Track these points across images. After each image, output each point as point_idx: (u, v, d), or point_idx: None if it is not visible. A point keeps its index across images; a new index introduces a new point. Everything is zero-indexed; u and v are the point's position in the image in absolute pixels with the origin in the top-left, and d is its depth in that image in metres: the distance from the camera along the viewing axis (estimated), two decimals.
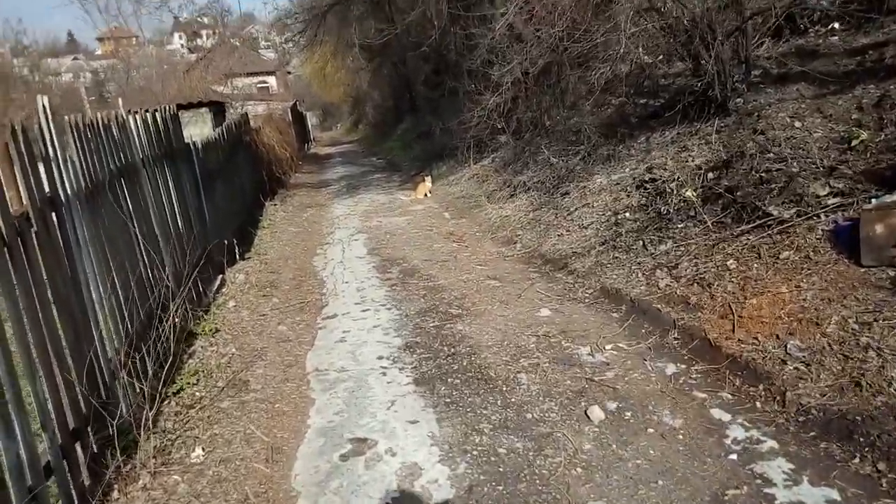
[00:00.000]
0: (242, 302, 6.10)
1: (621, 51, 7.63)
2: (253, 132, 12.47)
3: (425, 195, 11.73)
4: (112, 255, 4.09)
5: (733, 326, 3.90)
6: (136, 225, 4.75)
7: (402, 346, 4.71)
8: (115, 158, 4.56)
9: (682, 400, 3.48)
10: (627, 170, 7.38)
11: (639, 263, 5.30)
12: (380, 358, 4.52)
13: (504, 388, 3.86)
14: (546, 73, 10.40)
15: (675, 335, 4.18)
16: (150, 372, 4.21)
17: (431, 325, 5.09)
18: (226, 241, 7.27)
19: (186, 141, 6.78)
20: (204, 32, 49.28)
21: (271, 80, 40.86)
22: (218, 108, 12.59)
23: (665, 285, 4.76)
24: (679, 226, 5.34)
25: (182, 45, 55.63)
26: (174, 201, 5.83)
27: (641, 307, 4.71)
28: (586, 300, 5.23)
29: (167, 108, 6.16)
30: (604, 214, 6.60)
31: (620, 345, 4.28)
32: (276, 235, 9.46)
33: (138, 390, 3.87)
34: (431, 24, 16.84)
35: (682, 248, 5.05)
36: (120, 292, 4.11)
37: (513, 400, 3.71)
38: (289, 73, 40.86)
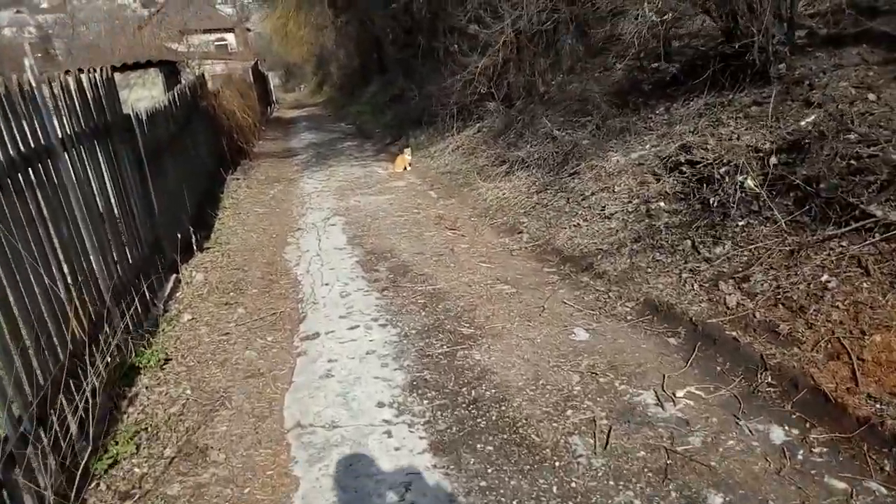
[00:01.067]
0: (200, 313, 4.91)
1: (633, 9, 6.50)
2: (211, 96, 10.99)
3: (405, 169, 10.50)
4: (7, 279, 2.89)
5: (854, 373, 2.92)
6: (49, 229, 3.51)
7: (407, 384, 3.63)
8: (15, 142, 3.29)
9: (814, 491, 2.50)
10: (648, 146, 6.32)
11: (691, 270, 4.28)
12: (380, 406, 3.43)
13: (556, 464, 2.82)
14: (542, 32, 9.19)
15: (769, 380, 3.18)
16: (73, 433, 3.08)
17: (440, 350, 4.01)
18: (180, 233, 6.03)
19: (127, 110, 5.45)
20: None
21: (230, 38, 38.28)
22: (170, 69, 11.03)
23: (736, 304, 3.75)
24: (739, 223, 4.32)
25: (134, 0, 51.96)
26: (109, 189, 4.56)
27: (707, 332, 3.71)
28: (629, 317, 4.20)
29: (101, 69, 4.81)
30: (630, 202, 5.55)
31: (694, 390, 3.28)
32: (241, 218, 8.18)
33: (51, 469, 2.76)
34: None
35: (749, 253, 4.04)
36: (23, 332, 2.92)
37: (573, 486, 2.68)
38: (248, 30, 38.37)
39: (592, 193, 6.08)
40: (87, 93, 4.41)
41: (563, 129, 7.66)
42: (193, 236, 6.60)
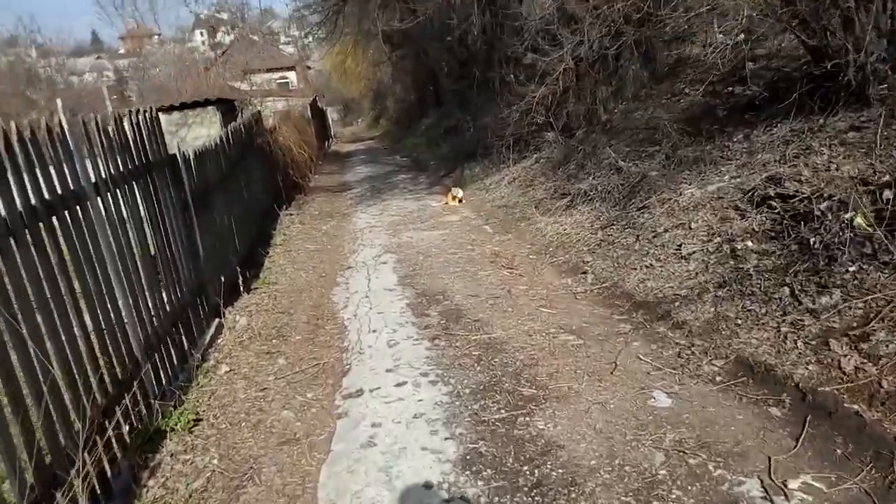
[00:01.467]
0: (239, 364, 4.56)
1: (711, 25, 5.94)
2: (267, 132, 10.95)
3: (459, 201, 10.10)
4: (13, 342, 2.57)
5: None
6: (73, 281, 3.23)
7: (460, 459, 3.12)
8: (38, 189, 3.03)
9: None
10: (727, 177, 5.70)
11: (792, 323, 3.64)
12: (428, 487, 2.93)
13: None
14: (604, 58, 8.70)
15: None
16: None
17: (497, 416, 3.49)
18: (226, 274, 5.76)
19: (185, 148, 5.26)
20: (223, 28, 47.95)
21: (291, 76, 39.40)
22: (228, 107, 11.08)
23: (854, 368, 3.10)
24: (849, 268, 3.66)
25: (203, 42, 54.48)
26: (148, 234, 4.31)
27: (820, 403, 3.07)
28: (718, 379, 3.58)
29: (144, 109, 4.61)
30: (710, 241, 4.93)
31: (811, 480, 2.65)
32: (291, 256, 7.93)
33: None
34: (455, 10, 15.19)
35: (865, 306, 3.38)
36: (27, 402, 2.59)
37: None
38: (309, 67, 39.42)
39: (665, 230, 5.49)
40: (127, 133, 4.19)
41: (628, 160, 7.10)
42: (241, 276, 6.35)
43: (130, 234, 4.00)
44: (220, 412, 3.86)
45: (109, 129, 3.94)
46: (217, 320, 5.34)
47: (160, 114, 10.55)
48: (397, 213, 10.24)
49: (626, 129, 8.17)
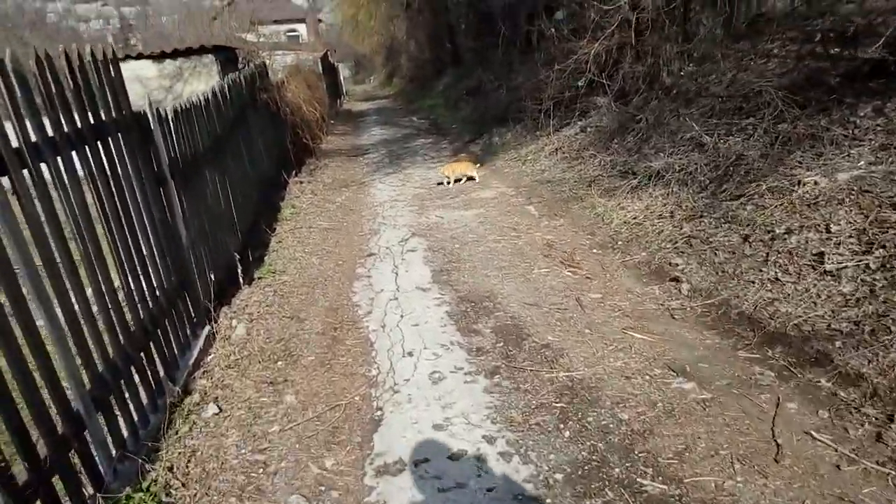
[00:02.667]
0: (232, 401, 3.33)
1: None
2: (274, 88, 9.51)
3: (469, 178, 8.60)
4: None
5: None
6: None
7: None
8: None
9: None
10: (863, 162, 4.36)
11: None
12: None
13: None
14: (670, 10, 7.23)
15: None
16: None
17: None
18: (221, 264, 4.49)
19: (142, 108, 3.91)
20: None
21: (301, 29, 37.33)
22: (227, 56, 9.61)
23: None
24: None
25: None
26: (109, 219, 3.02)
27: None
28: None
29: (94, 50, 3.25)
30: (869, 253, 3.61)
31: None
32: (301, 235, 6.63)
33: None
34: None
35: None
36: None
37: None
38: (320, 20, 37.36)
39: (789, 231, 4.16)
40: (64, 83, 2.85)
41: (715, 135, 5.71)
42: (240, 265, 5.08)
43: (71, 219, 2.71)
44: (199, 489, 2.62)
45: (36, 75, 2.61)
46: (207, 328, 4.08)
47: (150, 62, 9.17)
48: (421, 184, 8.89)
49: (700, 95, 6.75)
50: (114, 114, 3.25)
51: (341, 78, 31.29)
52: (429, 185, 8.79)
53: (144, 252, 3.39)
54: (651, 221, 5.42)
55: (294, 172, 9.68)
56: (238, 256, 5.08)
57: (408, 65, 32.20)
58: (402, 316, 4.37)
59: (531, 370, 3.44)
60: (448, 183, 8.37)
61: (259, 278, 5.31)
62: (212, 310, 4.13)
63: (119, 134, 3.27)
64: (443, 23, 24.01)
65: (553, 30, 9.29)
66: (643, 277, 4.66)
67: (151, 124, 3.79)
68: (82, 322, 2.62)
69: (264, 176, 7.55)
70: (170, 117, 4.13)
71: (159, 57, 8.73)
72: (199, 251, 4.25)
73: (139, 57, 8.70)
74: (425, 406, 3.18)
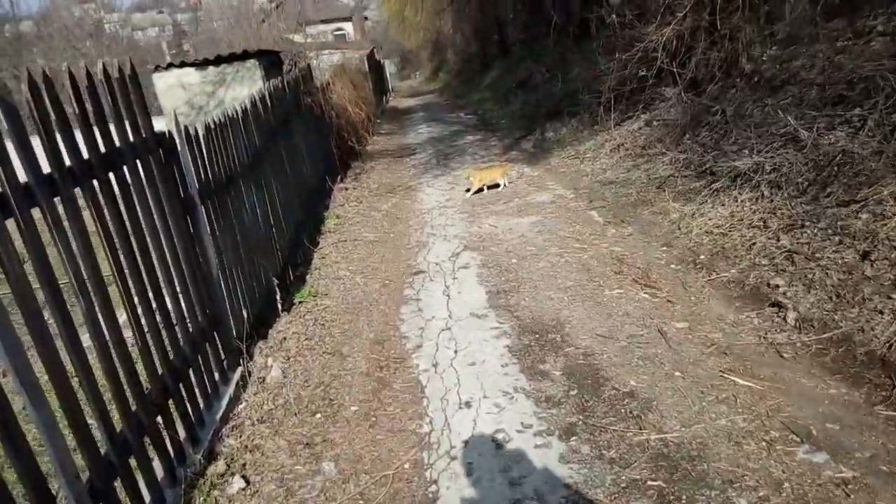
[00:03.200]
0: (262, 471, 2.85)
1: None
2: (318, 91, 9.09)
3: (500, 185, 7.90)
4: None
5: None
6: None
7: None
8: None
9: None
10: None
11: None
12: None
13: None
14: None
15: None
16: None
17: None
18: (257, 293, 4.06)
19: (165, 127, 3.46)
20: None
21: (347, 27, 37.16)
22: (271, 60, 9.24)
23: None
24: None
25: None
26: (121, 263, 2.58)
27: None
28: None
29: (107, 65, 2.81)
30: None
31: None
32: (346, 249, 6.17)
33: None
34: None
35: None
36: None
37: None
38: (366, 18, 37.11)
39: None
40: (74, 107, 2.41)
41: (813, 129, 4.92)
42: (279, 291, 4.63)
43: (81, 267, 2.26)
44: None
45: (46, 105, 2.17)
46: (240, 369, 3.63)
47: (194, 69, 8.88)
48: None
49: (788, 83, 5.92)
50: (131, 137, 2.80)
51: (387, 74, 30.95)
52: None
53: (166, 293, 2.95)
54: (739, 231, 4.69)
55: (339, 178, 9.26)
56: (276, 281, 4.64)
57: (454, 59, 31.62)
58: (455, 352, 3.82)
59: (615, 430, 2.83)
60: (475, 192, 7.74)
61: (300, 302, 4.86)
62: (244, 351, 3.68)
63: (137, 160, 2.82)
64: (490, 14, 23.28)
65: (615, 16, 8.52)
66: (735, 301, 3.96)
67: (178, 145, 3.34)
68: (81, 395, 2.18)
69: (307, 184, 7.13)
70: (201, 135, 3.69)
71: (202, 64, 8.42)
72: (232, 282, 3.81)
73: (182, 65, 8.42)
74: (489, 480, 2.62)
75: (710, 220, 5.04)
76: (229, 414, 3.29)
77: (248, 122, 4.92)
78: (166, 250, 3.02)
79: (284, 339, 4.16)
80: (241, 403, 3.42)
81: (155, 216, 2.96)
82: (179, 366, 2.94)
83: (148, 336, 2.70)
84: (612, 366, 3.41)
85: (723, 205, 5.12)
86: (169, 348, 2.89)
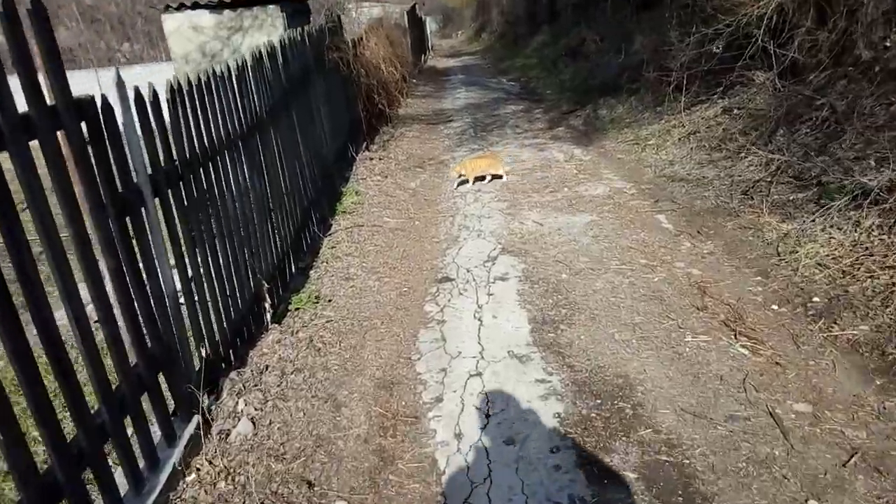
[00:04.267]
0: None
1: None
2: (347, 47, 7.92)
3: (496, 177, 6.74)
4: None
5: None
6: None
7: None
8: None
9: None
10: None
11: None
12: None
13: None
14: None
15: None
16: None
17: None
18: (221, 325, 3.08)
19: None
20: None
21: None
22: (297, 7, 8.08)
23: None
24: None
25: None
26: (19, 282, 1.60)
27: None
28: None
29: None
30: None
31: None
32: (361, 237, 5.16)
33: None
34: None
35: None
36: None
37: None
38: None
39: None
40: None
41: None
42: (270, 295, 3.65)
43: None
44: None
45: None
46: (196, 419, 2.66)
47: (207, 12, 7.78)
48: (512, 168, 7.16)
49: None
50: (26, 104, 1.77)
51: (428, 32, 29.36)
52: (521, 170, 7.07)
53: (77, 334, 1.96)
54: (868, 268, 3.54)
55: (365, 145, 8.19)
56: (267, 285, 3.64)
57: (499, 19, 29.89)
58: (487, 416, 2.79)
59: None
60: (466, 182, 6.55)
61: (296, 309, 3.88)
62: (201, 399, 2.69)
63: (31, 138, 1.80)
64: None
65: None
66: (875, 375, 2.85)
67: (118, 116, 2.30)
68: None
69: (325, 155, 6.07)
70: (164, 100, 2.65)
71: (217, 6, 7.32)
72: (201, 297, 2.82)
73: (195, 6, 7.34)
74: None
75: (822, 247, 3.88)
76: (168, 496, 2.33)
77: (246, 83, 3.86)
78: (82, 267, 2.02)
79: (267, 367, 3.18)
80: (190, 474, 2.45)
81: (68, 222, 1.95)
82: (87, 447, 1.97)
83: (36, 406, 1.73)
84: (709, 470, 2.36)
85: (839, 229, 3.95)
86: (73, 425, 1.91)
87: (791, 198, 4.60)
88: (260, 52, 4.29)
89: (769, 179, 4.97)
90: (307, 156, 5.29)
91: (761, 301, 3.64)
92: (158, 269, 2.50)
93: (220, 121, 3.28)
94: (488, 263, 4.52)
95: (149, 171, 2.50)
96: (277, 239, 4.15)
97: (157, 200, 2.54)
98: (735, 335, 3.29)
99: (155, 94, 2.59)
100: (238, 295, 3.30)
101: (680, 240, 4.64)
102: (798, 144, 5.10)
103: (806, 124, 5.24)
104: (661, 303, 3.72)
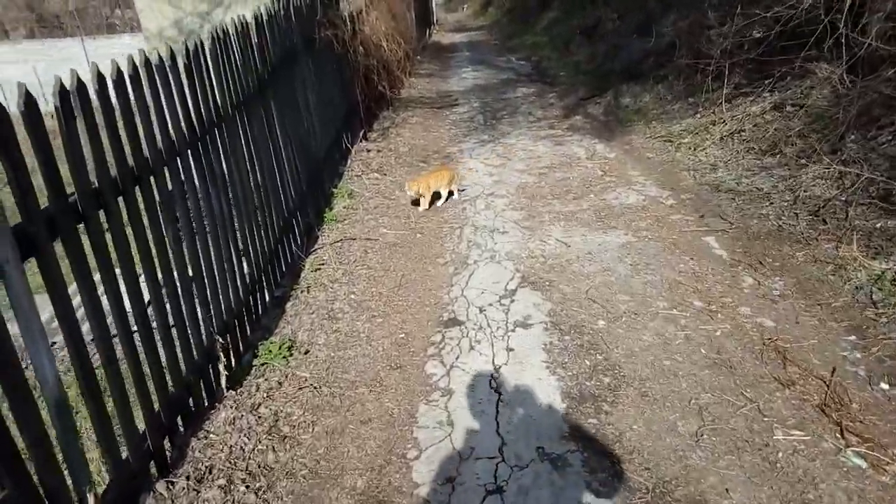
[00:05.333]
0: None
1: None
2: (343, 23, 6.89)
3: (430, 203, 5.31)
4: None
5: None
6: None
7: None
8: None
9: None
10: None
11: None
12: None
13: None
14: None
15: None
16: None
17: None
18: (145, 413, 2.18)
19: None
20: None
21: None
22: None
23: None
24: None
25: None
26: None
27: None
28: None
29: None
30: None
31: None
32: (351, 256, 4.25)
33: None
34: None
35: None
36: None
37: None
38: None
39: None
40: None
41: None
42: (224, 354, 2.76)
43: None
44: None
45: None
46: None
47: None
48: (527, 166, 6.23)
49: None
50: None
51: (433, 4, 27.93)
52: (538, 168, 6.13)
53: None
54: None
55: (362, 133, 7.23)
56: (221, 341, 2.75)
57: None
58: None
59: None
60: (419, 204, 5.26)
61: (262, 364, 2.99)
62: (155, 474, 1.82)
63: None
64: None
65: None
66: None
67: None
68: None
69: (315, 150, 5.12)
70: (43, 108, 1.72)
71: None
72: (101, 396, 1.93)
73: None
74: None
75: None
76: None
77: (202, 70, 2.91)
78: None
79: (210, 469, 2.31)
80: None
81: None
82: None
83: None
84: None
85: None
86: None
87: (879, 225, 3.68)
88: (224, 30, 3.33)
89: (844, 198, 4.04)
90: (290, 155, 4.35)
91: (864, 376, 2.75)
92: (42, 371, 1.61)
93: (154, 127, 2.35)
94: (505, 300, 3.62)
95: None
96: (245, 266, 3.25)
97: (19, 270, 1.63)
98: (841, 431, 2.42)
99: (28, 96, 1.66)
100: (173, 362, 2.41)
101: (739, 273, 3.73)
102: (879, 155, 4.16)
103: (887, 130, 4.29)
104: (730, 372, 2.83)
